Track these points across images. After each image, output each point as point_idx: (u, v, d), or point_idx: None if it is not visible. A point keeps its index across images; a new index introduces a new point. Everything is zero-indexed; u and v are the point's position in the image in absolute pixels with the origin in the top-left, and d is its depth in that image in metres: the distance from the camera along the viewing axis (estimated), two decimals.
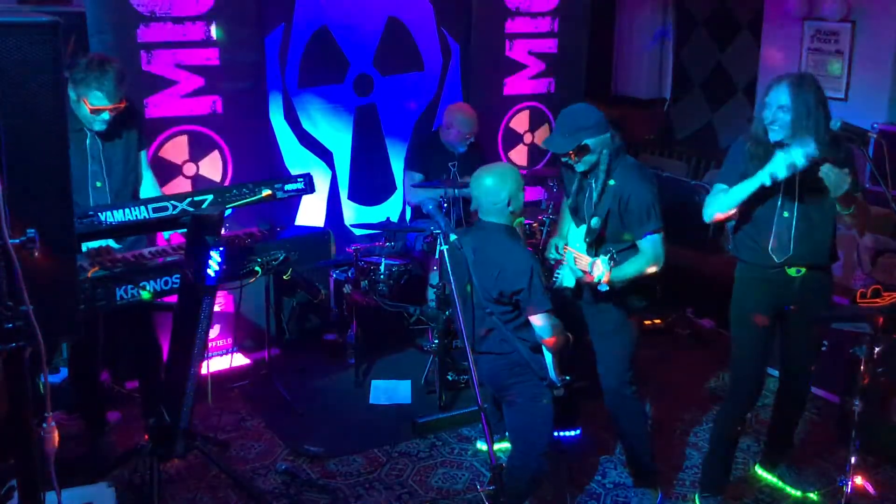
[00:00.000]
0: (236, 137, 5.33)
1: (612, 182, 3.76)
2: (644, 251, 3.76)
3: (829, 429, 4.76)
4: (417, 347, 5.60)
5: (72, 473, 3.85)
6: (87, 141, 4.08)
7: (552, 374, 3.75)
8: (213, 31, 5.09)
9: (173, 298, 3.81)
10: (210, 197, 3.61)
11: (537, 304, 3.62)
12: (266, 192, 3.82)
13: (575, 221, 3.99)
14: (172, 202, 3.59)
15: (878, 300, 4.63)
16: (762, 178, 3.53)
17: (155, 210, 3.53)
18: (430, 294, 5.42)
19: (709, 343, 5.90)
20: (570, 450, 4.57)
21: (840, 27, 5.97)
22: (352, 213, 6.21)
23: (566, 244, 4.02)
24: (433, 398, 5.01)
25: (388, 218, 5.93)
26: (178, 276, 3.67)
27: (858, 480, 3.86)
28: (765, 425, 4.46)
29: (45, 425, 2.31)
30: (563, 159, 3.85)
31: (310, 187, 4.06)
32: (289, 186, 3.94)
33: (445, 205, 5.35)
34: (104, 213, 3.46)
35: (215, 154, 5.29)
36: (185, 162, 5.20)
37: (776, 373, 4.26)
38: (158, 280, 3.65)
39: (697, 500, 4.10)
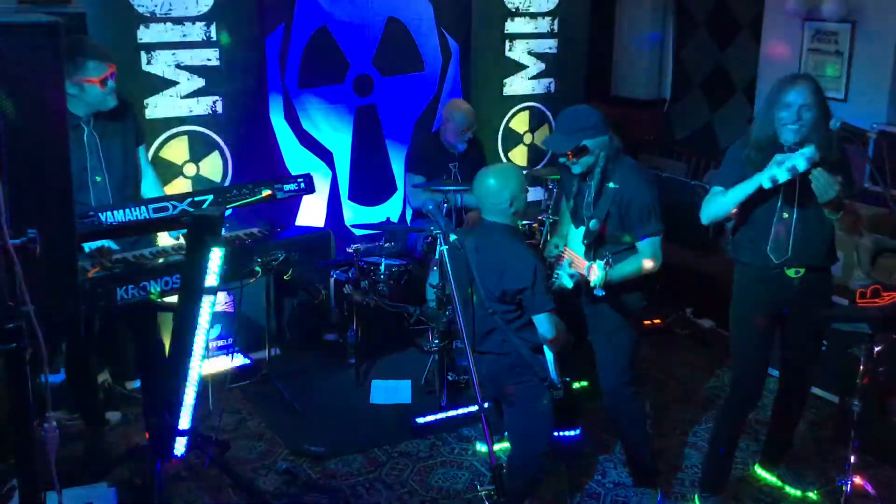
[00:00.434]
0: (236, 138, 5.34)
1: (611, 184, 3.76)
2: (643, 252, 3.76)
3: (828, 429, 4.76)
4: (417, 347, 5.60)
5: (72, 473, 3.86)
6: (85, 136, 4.03)
7: (553, 374, 3.75)
8: (216, 34, 5.09)
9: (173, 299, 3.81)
10: (210, 197, 3.61)
11: (540, 304, 3.63)
12: (266, 193, 3.82)
13: (574, 223, 3.99)
14: (172, 202, 3.60)
15: (877, 300, 4.63)
16: (761, 180, 3.52)
17: (155, 210, 3.53)
18: (430, 294, 5.42)
19: (708, 343, 5.90)
20: (570, 450, 4.57)
21: (840, 27, 5.97)
22: (352, 213, 6.22)
23: (565, 245, 4.03)
24: (433, 398, 5.01)
25: (388, 218, 5.94)
26: (178, 276, 3.67)
27: (858, 480, 3.87)
28: (765, 425, 4.46)
29: (45, 425, 2.31)
30: (561, 160, 3.85)
31: (310, 187, 4.06)
32: (289, 187, 3.94)
33: (446, 205, 5.35)
34: (104, 214, 3.46)
35: (215, 154, 5.30)
36: (185, 162, 5.21)
37: (776, 373, 4.26)
38: (159, 280, 3.65)
39: (697, 500, 4.10)
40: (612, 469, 4.43)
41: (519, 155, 6.60)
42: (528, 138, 6.60)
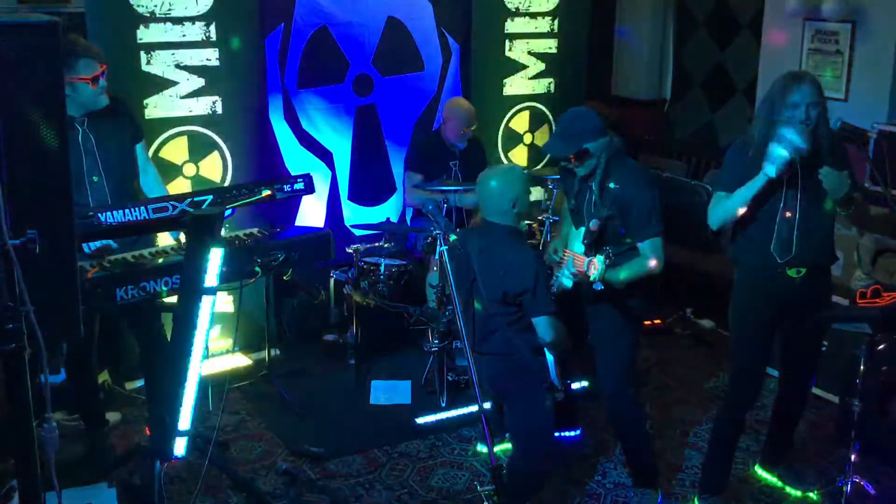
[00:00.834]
0: (236, 138, 5.34)
1: (612, 185, 3.76)
2: (644, 254, 3.76)
3: (828, 429, 4.76)
4: (417, 348, 5.60)
5: (72, 474, 3.85)
6: (80, 137, 4.03)
7: (553, 376, 3.75)
8: (216, 34, 5.08)
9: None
10: (210, 197, 3.61)
11: (541, 306, 3.62)
12: (266, 193, 3.82)
13: (575, 224, 3.99)
14: (172, 202, 3.59)
15: (877, 300, 4.63)
16: (765, 171, 3.51)
17: (155, 210, 3.53)
18: (430, 294, 5.42)
19: (708, 343, 5.90)
20: (570, 450, 4.57)
21: (840, 27, 5.97)
22: (352, 213, 6.21)
23: (565, 247, 4.03)
24: (433, 398, 5.01)
25: (388, 218, 5.93)
26: (178, 276, 3.67)
27: (858, 480, 3.87)
28: (765, 425, 4.46)
29: (45, 426, 2.31)
30: (563, 163, 3.86)
31: (309, 188, 4.06)
32: (288, 187, 3.93)
33: (445, 206, 5.35)
34: (104, 214, 3.46)
35: (215, 155, 5.30)
36: (184, 162, 5.20)
37: (776, 373, 4.26)
38: (158, 280, 3.64)
39: (697, 501, 4.10)
40: (612, 470, 4.43)
41: (519, 155, 6.59)
42: (528, 138, 6.60)
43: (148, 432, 3.93)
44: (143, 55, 4.93)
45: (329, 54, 5.88)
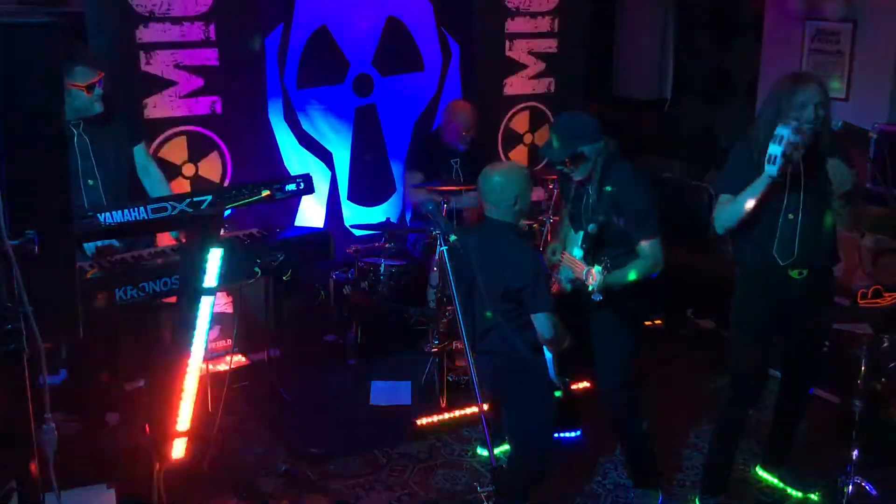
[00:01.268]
0: (235, 138, 5.33)
1: (608, 188, 3.77)
2: (643, 256, 3.76)
3: (829, 429, 4.75)
4: (417, 348, 5.59)
5: (71, 475, 3.84)
6: (75, 140, 4.05)
7: (552, 374, 3.75)
8: (215, 34, 5.08)
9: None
10: (209, 198, 3.60)
11: (540, 303, 3.62)
12: (265, 193, 3.80)
13: (573, 227, 4.00)
14: (171, 203, 3.58)
15: (878, 301, 4.63)
16: (769, 171, 3.50)
17: (154, 211, 3.52)
18: (431, 295, 5.41)
19: (709, 344, 5.89)
20: (570, 450, 4.56)
21: (841, 27, 5.96)
22: (351, 213, 6.21)
23: (563, 250, 4.03)
24: (433, 399, 5.00)
25: (387, 218, 5.93)
26: (177, 276, 3.66)
27: (859, 481, 3.86)
28: (766, 426, 4.45)
29: (44, 426, 2.30)
30: (558, 167, 3.87)
31: (309, 188, 4.05)
32: (288, 187, 3.92)
33: (446, 206, 5.34)
34: (103, 214, 3.45)
35: (214, 155, 5.29)
36: (184, 163, 5.20)
37: (778, 374, 4.25)
38: (157, 281, 3.64)
39: (698, 502, 4.10)
40: (612, 470, 4.42)
41: (519, 155, 6.58)
42: (528, 138, 6.59)
43: (148, 432, 3.92)
44: (142, 55, 4.92)
45: (329, 54, 5.87)
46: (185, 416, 3.84)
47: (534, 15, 6.35)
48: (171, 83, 5.04)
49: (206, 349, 3.88)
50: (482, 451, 4.55)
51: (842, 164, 3.49)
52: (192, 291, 3.61)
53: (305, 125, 5.92)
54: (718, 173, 4.13)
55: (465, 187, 5.43)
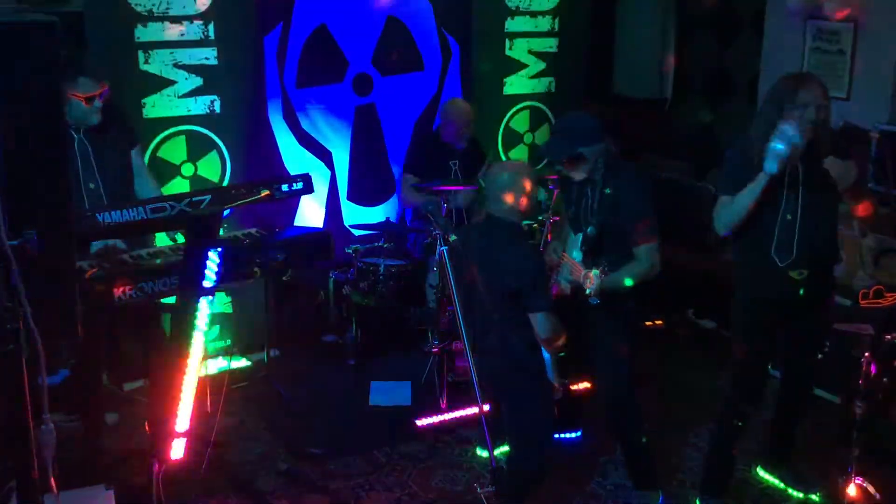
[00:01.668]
0: (235, 137, 5.32)
1: (608, 190, 3.76)
2: (639, 259, 3.76)
3: (830, 430, 4.75)
4: (417, 348, 5.58)
5: (70, 475, 3.83)
6: (76, 144, 4.07)
7: (550, 374, 3.74)
8: (214, 33, 5.07)
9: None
10: (208, 197, 3.59)
11: (539, 303, 3.61)
12: (264, 193, 3.79)
13: (573, 229, 3.99)
14: (170, 202, 3.58)
15: (880, 301, 4.61)
16: (766, 168, 3.50)
17: (153, 210, 3.51)
18: (430, 295, 5.40)
19: (709, 343, 5.89)
20: (570, 450, 4.55)
21: (842, 27, 5.96)
22: (351, 213, 6.20)
23: (564, 250, 4.02)
24: (433, 399, 4.99)
25: (387, 218, 5.92)
26: (176, 276, 3.65)
27: (860, 481, 3.86)
28: (766, 426, 4.44)
29: (43, 427, 2.30)
30: (557, 168, 3.86)
31: (308, 187, 4.04)
32: (287, 187, 3.91)
33: (445, 206, 5.33)
34: (102, 214, 3.44)
35: (213, 154, 5.28)
36: (183, 162, 5.19)
37: (778, 374, 4.25)
38: (157, 281, 3.63)
39: (698, 502, 4.09)
40: (612, 470, 4.42)
41: (519, 155, 6.58)
42: (528, 138, 6.58)
43: (149, 430, 3.91)
44: (141, 54, 4.91)
45: (328, 53, 5.86)
46: (184, 417, 3.84)
47: (534, 14, 6.34)
48: (170, 82, 5.03)
49: (205, 349, 3.88)
50: (482, 452, 4.54)
51: (836, 160, 3.49)
52: (191, 291, 3.60)
53: (305, 125, 5.91)
54: (718, 173, 4.13)
55: (462, 186, 5.43)
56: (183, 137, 5.16)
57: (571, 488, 4.27)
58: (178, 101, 5.08)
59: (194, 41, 5.05)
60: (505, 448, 4.11)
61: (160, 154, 5.08)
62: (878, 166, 3.75)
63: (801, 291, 3.73)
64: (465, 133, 5.73)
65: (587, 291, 3.56)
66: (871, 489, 3.90)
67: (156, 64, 4.97)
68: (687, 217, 5.21)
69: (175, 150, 5.15)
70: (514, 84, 6.43)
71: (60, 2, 5.20)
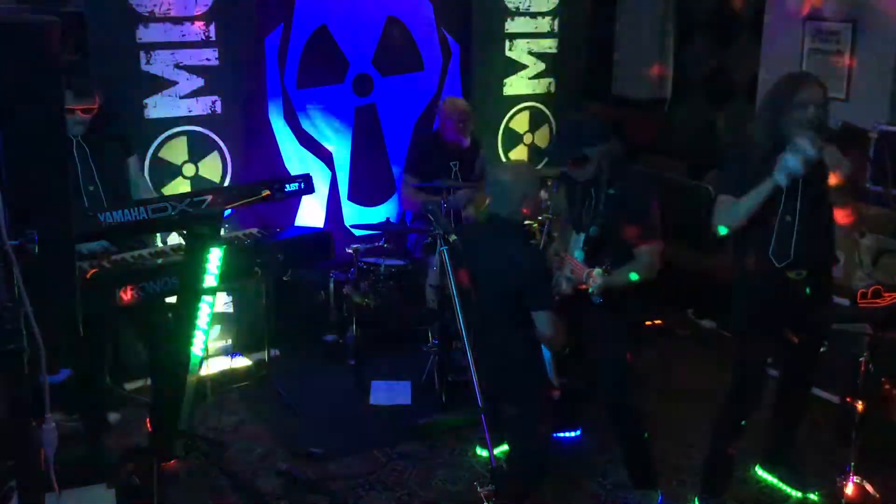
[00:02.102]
0: (236, 138, 5.33)
1: (611, 191, 3.77)
2: (640, 260, 3.76)
3: (829, 429, 4.75)
4: (417, 348, 5.59)
5: (71, 475, 3.83)
6: (74, 146, 4.08)
7: (550, 373, 3.75)
8: (215, 34, 5.08)
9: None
10: (209, 197, 3.60)
11: (541, 302, 3.62)
12: (265, 193, 3.81)
13: (575, 229, 4.00)
14: (171, 203, 3.59)
15: (878, 300, 4.62)
16: (777, 179, 3.50)
17: (154, 211, 3.52)
18: (430, 295, 5.41)
19: (709, 344, 5.89)
20: (570, 450, 4.56)
21: (841, 27, 5.96)
22: (351, 213, 6.20)
23: (565, 250, 4.03)
24: (433, 399, 5.00)
25: (387, 218, 5.92)
26: (177, 276, 3.66)
27: (858, 481, 3.86)
28: (765, 426, 4.44)
29: (44, 426, 2.30)
30: (561, 169, 3.87)
31: (309, 188, 4.05)
32: (288, 187, 3.93)
33: (445, 206, 5.34)
34: (104, 214, 3.45)
35: (215, 155, 5.29)
36: (184, 162, 5.20)
37: (777, 374, 4.25)
38: (157, 281, 3.64)
39: (697, 502, 4.09)
40: (612, 470, 4.42)
41: (519, 155, 6.58)
42: (528, 138, 6.59)
43: (150, 430, 3.92)
44: (142, 55, 4.92)
45: (329, 54, 5.87)
46: (184, 417, 3.85)
47: (533, 15, 6.35)
48: (171, 83, 5.04)
49: (205, 350, 3.88)
50: (482, 451, 4.54)
51: (835, 150, 3.51)
52: (191, 291, 3.61)
53: (305, 125, 5.92)
54: (718, 173, 4.13)
55: (463, 185, 5.43)
56: (184, 138, 5.17)
57: (571, 488, 4.27)
58: (179, 102, 5.09)
59: (195, 42, 5.06)
60: (505, 448, 4.12)
61: (161, 154, 5.09)
62: (877, 166, 3.75)
63: (808, 290, 3.73)
64: (466, 128, 5.72)
65: (590, 290, 3.57)
66: (869, 489, 3.90)
67: (157, 65, 4.98)
68: (686, 217, 5.20)
69: (176, 151, 5.16)
70: (514, 85, 6.44)
71: (61, 2, 5.22)
